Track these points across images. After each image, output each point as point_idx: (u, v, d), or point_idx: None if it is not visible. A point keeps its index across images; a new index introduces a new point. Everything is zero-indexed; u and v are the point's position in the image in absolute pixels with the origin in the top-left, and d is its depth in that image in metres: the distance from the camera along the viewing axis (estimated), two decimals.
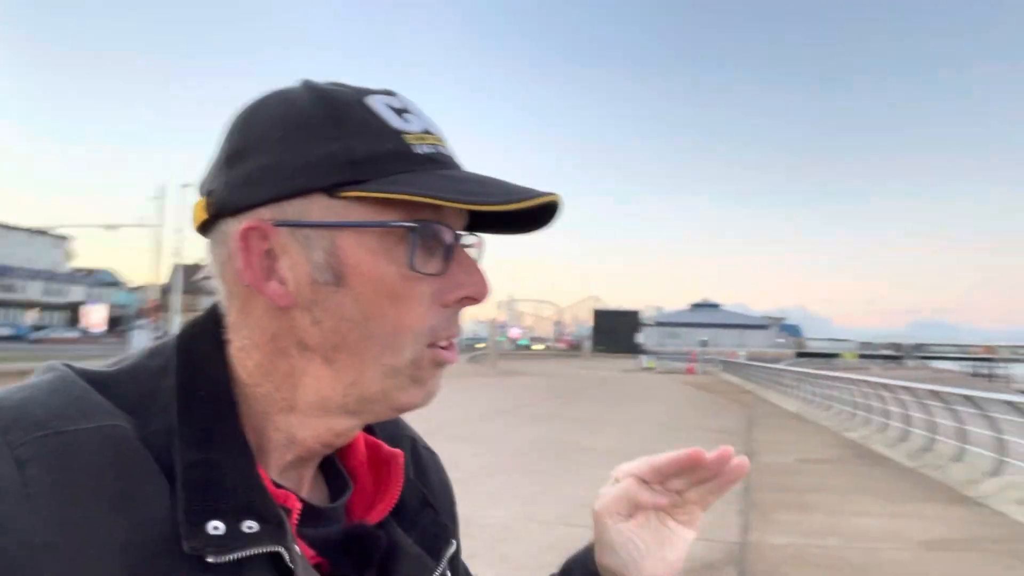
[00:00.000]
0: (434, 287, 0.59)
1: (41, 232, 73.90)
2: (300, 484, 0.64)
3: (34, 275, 73.17)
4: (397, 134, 0.59)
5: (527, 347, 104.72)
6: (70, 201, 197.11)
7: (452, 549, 0.72)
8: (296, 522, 0.59)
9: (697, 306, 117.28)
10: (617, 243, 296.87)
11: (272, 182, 0.58)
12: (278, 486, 0.60)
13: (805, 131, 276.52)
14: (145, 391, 0.57)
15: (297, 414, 0.61)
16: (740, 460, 0.69)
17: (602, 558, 0.72)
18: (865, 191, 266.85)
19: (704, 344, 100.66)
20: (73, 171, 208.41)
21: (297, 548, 0.56)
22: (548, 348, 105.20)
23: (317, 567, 0.60)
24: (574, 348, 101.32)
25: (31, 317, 70.65)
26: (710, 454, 0.68)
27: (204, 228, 0.61)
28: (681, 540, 0.71)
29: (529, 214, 0.61)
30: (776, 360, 56.32)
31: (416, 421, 0.77)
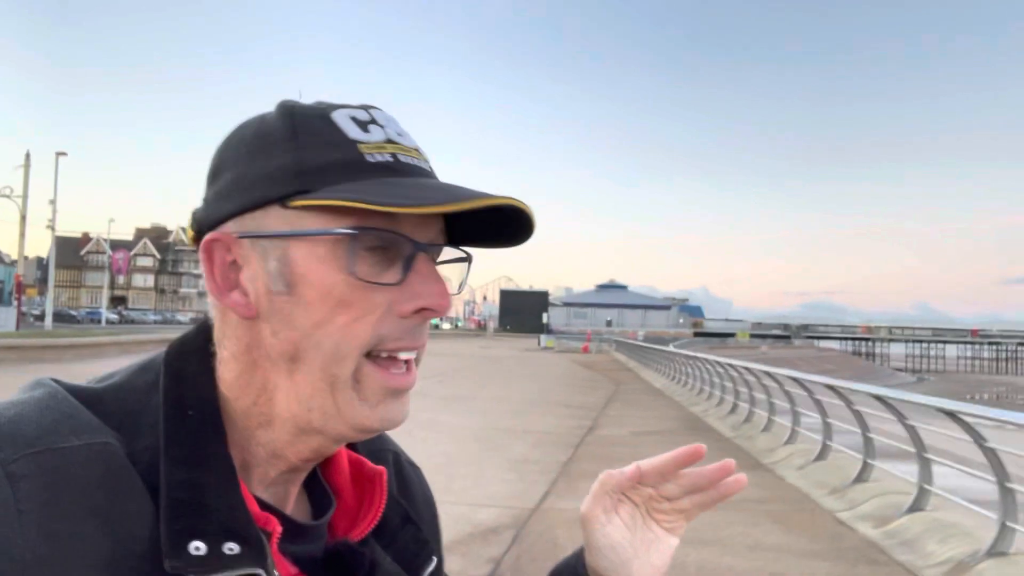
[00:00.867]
0: (390, 297, 0.59)
1: None
2: (286, 499, 0.65)
3: None
4: (352, 144, 0.60)
5: (435, 327, 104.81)
6: None
7: (432, 566, 0.72)
8: (277, 543, 0.60)
9: (603, 287, 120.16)
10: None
11: (237, 195, 0.60)
12: (263, 503, 0.61)
13: (709, 117, 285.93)
14: (133, 408, 0.58)
15: (275, 429, 0.61)
16: (737, 477, 0.70)
17: (592, 561, 0.73)
18: (766, 178, 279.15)
19: (609, 324, 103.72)
20: None
21: (276, 573, 0.57)
22: (457, 328, 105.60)
23: None
24: (481, 328, 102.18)
25: None
26: (711, 465, 0.69)
27: (196, 244, 0.63)
28: (666, 545, 0.72)
29: (511, 225, 0.62)
30: (675, 339, 58.65)
31: None
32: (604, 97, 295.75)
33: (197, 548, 0.53)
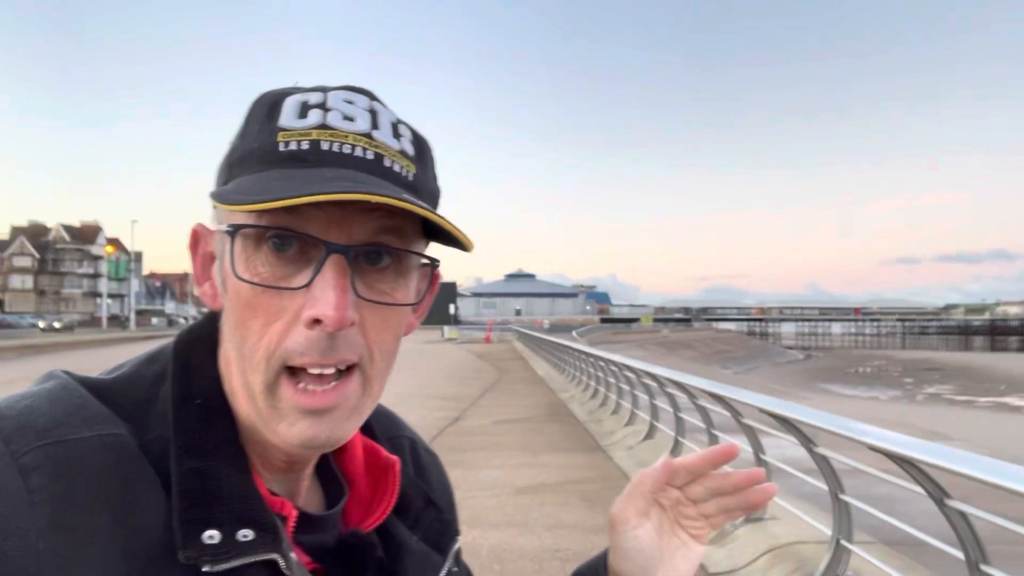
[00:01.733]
0: (297, 303, 0.55)
1: None
2: (295, 490, 0.64)
3: None
4: (273, 132, 0.57)
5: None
6: None
7: (457, 545, 0.72)
8: (292, 529, 0.59)
9: (512, 276, 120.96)
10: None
11: (214, 188, 0.61)
12: (273, 493, 0.60)
13: (616, 109, 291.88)
14: (143, 399, 0.58)
15: (258, 424, 0.59)
16: (765, 487, 0.68)
17: (616, 564, 0.71)
18: (671, 168, 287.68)
19: (518, 313, 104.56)
20: None
21: (293, 555, 0.57)
22: None
23: (314, 573, 0.61)
24: None
25: None
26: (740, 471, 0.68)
27: None
28: (693, 552, 0.70)
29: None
30: (581, 326, 59.80)
31: None
32: (512, 84, 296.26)
33: (211, 536, 0.53)
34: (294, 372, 0.56)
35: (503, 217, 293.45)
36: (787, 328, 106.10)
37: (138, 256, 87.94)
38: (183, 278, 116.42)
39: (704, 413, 6.71)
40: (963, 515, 2.94)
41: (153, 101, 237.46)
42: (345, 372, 0.57)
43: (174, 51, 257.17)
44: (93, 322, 77.30)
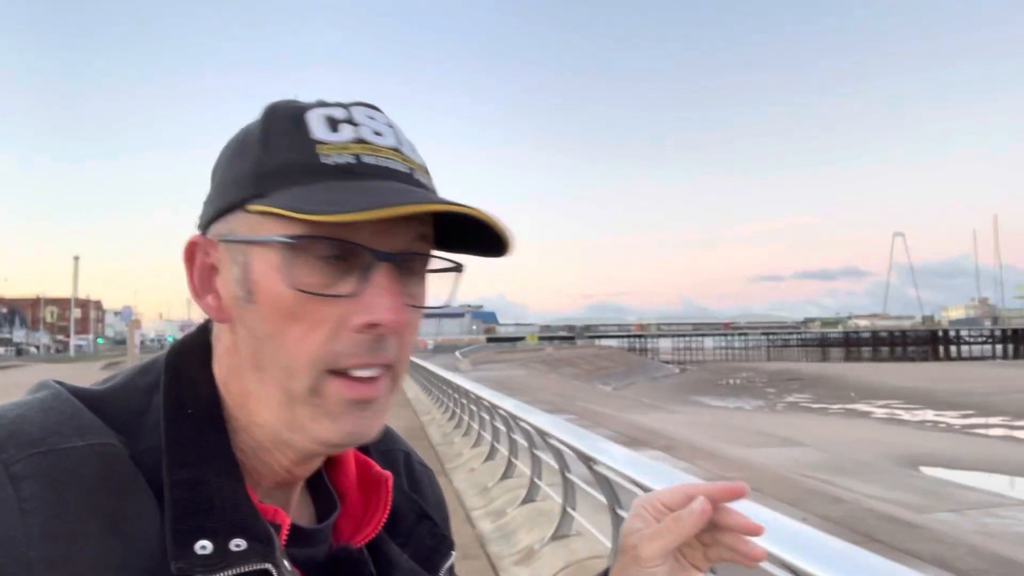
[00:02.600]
0: (343, 309, 0.56)
1: None
2: (286, 504, 0.63)
3: None
4: (312, 145, 0.57)
5: None
6: None
7: (450, 561, 0.71)
8: (285, 539, 0.58)
9: None
10: None
11: (216, 199, 0.60)
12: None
13: (502, 131, 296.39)
14: (135, 409, 0.58)
15: (256, 435, 0.59)
16: (756, 550, 0.67)
17: None
18: (551, 190, 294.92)
19: None
20: None
21: (287, 564, 0.56)
22: None
23: None
24: None
25: None
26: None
27: None
28: None
29: (492, 233, 0.58)
30: (467, 346, 59.77)
31: None
32: (401, 96, 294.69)
33: (203, 547, 0.52)
34: (335, 373, 0.57)
35: None
36: (664, 343, 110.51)
37: None
38: (35, 303, 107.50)
39: (528, 435, 6.89)
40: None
41: None
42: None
43: None
44: None
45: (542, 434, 5.78)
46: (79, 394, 0.58)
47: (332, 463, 0.69)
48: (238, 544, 0.54)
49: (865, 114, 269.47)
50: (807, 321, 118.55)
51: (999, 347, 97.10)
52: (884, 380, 45.15)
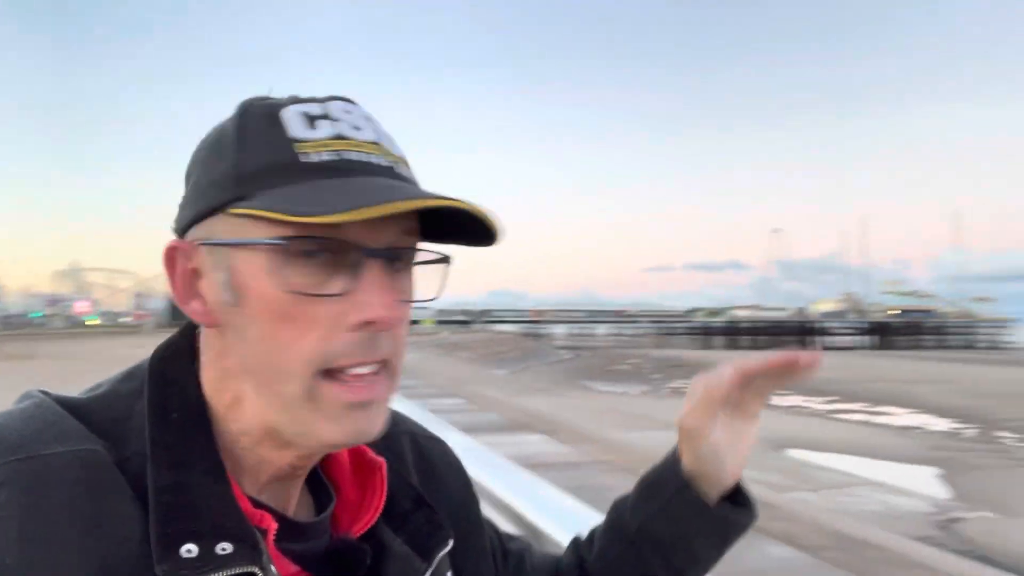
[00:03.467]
0: (336, 309, 0.56)
1: None
2: (286, 500, 0.63)
3: None
4: (290, 144, 0.57)
5: (92, 324, 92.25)
6: None
7: (447, 548, 0.69)
8: (274, 540, 0.58)
9: None
10: None
11: (193, 203, 0.59)
12: (257, 504, 0.59)
13: (419, 121, 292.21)
14: (120, 415, 0.57)
15: (253, 437, 0.59)
16: (813, 355, 0.70)
17: (691, 466, 0.75)
18: (462, 176, 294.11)
19: None
20: None
21: (274, 568, 0.55)
22: (120, 325, 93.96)
23: None
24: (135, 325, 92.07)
25: None
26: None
27: None
28: (749, 433, 0.75)
29: (480, 223, 0.58)
30: None
31: None
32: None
33: (189, 551, 0.52)
34: (331, 374, 0.57)
35: None
36: (559, 329, 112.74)
37: None
38: None
39: None
40: None
41: None
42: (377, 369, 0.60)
43: None
44: None
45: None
46: (63, 402, 0.58)
47: (325, 456, 0.69)
48: (224, 548, 0.54)
49: (757, 116, 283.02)
50: (692, 311, 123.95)
51: (867, 339, 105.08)
52: None
